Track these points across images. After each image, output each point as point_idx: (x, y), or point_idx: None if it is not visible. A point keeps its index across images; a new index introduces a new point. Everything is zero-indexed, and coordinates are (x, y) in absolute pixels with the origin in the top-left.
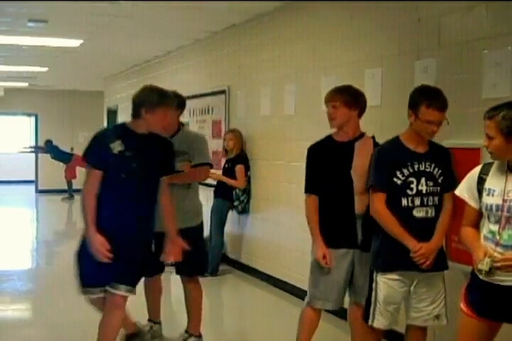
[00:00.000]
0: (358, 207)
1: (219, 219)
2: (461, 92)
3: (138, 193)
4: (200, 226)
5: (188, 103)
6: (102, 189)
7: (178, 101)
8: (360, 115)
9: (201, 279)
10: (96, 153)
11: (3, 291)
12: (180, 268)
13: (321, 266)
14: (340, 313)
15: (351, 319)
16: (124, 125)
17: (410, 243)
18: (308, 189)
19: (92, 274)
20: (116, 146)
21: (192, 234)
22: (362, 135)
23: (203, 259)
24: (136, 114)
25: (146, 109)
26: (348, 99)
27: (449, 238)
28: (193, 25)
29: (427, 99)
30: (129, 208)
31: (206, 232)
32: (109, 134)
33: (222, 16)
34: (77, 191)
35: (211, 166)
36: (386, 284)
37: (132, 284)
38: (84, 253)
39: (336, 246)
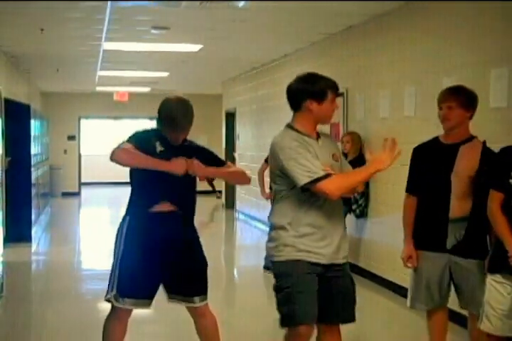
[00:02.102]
0: (454, 211)
1: None
2: None
3: (181, 195)
4: None
5: None
6: (141, 193)
7: None
8: (471, 117)
9: None
10: (142, 142)
11: None
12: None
13: (414, 269)
14: (460, 321)
15: (468, 329)
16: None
17: (509, 245)
18: (408, 189)
19: (141, 285)
20: (158, 146)
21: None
22: (470, 138)
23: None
24: None
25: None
26: (465, 100)
27: None
28: (311, 28)
29: None
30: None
31: None
32: (153, 135)
33: (340, 18)
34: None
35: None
36: (492, 286)
37: (204, 292)
38: (129, 263)
39: (426, 248)
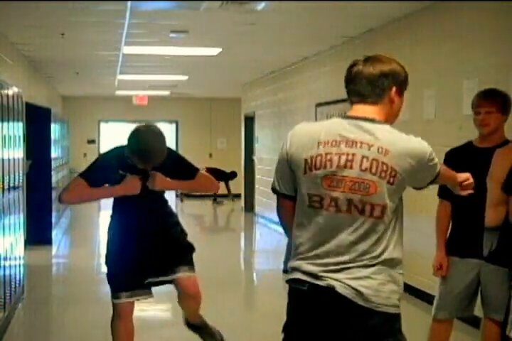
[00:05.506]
0: (490, 219)
1: None
2: None
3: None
4: None
5: (325, 109)
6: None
7: None
8: (506, 120)
9: None
10: (105, 170)
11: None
12: None
13: (443, 277)
14: (473, 322)
15: (484, 333)
16: None
17: None
18: (440, 194)
19: (129, 277)
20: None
21: None
22: (506, 142)
23: None
24: None
25: None
26: (504, 104)
27: None
28: (330, 31)
29: None
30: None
31: None
32: (122, 155)
33: (359, 21)
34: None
35: None
36: None
37: (186, 264)
38: (116, 258)
39: (459, 255)
